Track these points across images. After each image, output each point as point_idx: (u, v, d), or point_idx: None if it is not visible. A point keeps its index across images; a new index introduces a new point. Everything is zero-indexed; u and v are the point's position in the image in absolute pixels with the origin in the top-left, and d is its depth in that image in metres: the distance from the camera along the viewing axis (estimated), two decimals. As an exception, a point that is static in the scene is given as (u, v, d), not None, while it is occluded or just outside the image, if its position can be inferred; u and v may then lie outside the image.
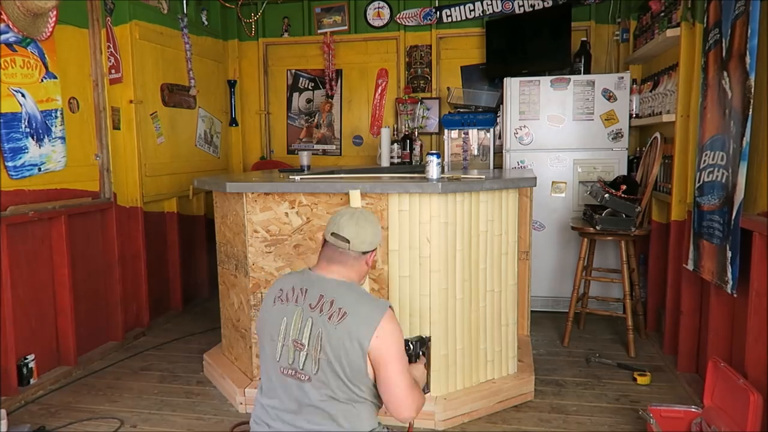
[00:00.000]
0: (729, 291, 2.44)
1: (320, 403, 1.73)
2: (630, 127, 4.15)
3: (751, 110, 2.28)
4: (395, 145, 4.78)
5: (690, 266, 2.90)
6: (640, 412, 2.62)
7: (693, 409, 2.51)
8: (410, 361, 1.93)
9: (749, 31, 2.26)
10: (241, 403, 2.82)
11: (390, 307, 1.79)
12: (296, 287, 1.81)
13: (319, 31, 5.21)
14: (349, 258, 1.84)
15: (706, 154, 2.72)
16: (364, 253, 1.87)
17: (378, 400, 1.81)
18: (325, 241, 1.88)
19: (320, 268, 1.86)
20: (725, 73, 2.52)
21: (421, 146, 4.94)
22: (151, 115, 4.10)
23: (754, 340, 2.32)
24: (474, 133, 4.68)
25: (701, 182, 2.76)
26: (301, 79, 5.37)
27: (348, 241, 1.83)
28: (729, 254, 2.43)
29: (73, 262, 3.36)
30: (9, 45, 2.92)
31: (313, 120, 5.40)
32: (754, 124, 2.33)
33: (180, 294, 4.47)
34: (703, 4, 2.89)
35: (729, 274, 2.43)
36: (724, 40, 2.54)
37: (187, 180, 4.40)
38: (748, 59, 2.28)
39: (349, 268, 1.85)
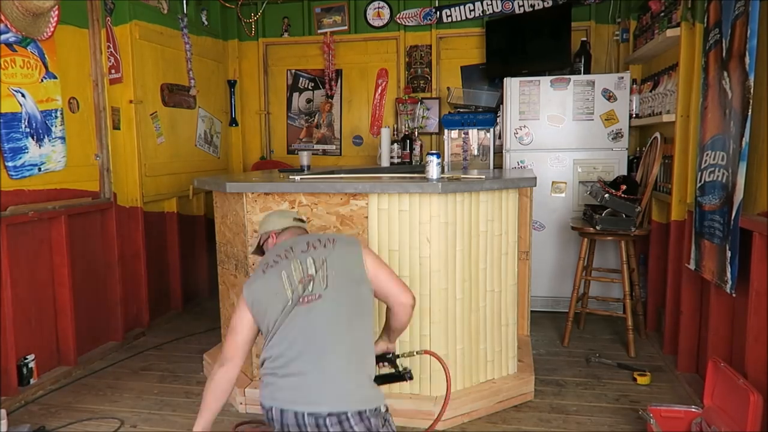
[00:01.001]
0: (728, 291, 2.44)
1: (328, 323, 1.87)
2: (630, 127, 4.15)
3: (750, 110, 2.28)
4: (395, 145, 4.78)
5: (692, 266, 2.90)
6: (640, 412, 2.62)
7: (693, 409, 2.51)
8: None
9: (749, 32, 2.27)
10: (242, 403, 2.82)
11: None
12: (279, 253, 2.03)
13: (319, 31, 5.21)
14: (302, 231, 2.23)
15: (707, 154, 2.72)
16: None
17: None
18: (277, 233, 2.20)
19: (292, 236, 2.17)
20: (725, 73, 2.52)
21: (421, 146, 4.94)
22: (151, 115, 4.10)
23: (754, 339, 2.32)
24: (474, 133, 4.68)
25: (702, 182, 2.76)
26: (301, 79, 5.37)
27: (303, 220, 2.28)
28: (728, 254, 2.43)
29: (73, 262, 3.36)
30: (9, 45, 2.92)
31: (313, 120, 5.40)
32: (754, 124, 2.33)
33: (180, 294, 4.47)
34: (703, 4, 2.89)
35: (728, 274, 2.43)
36: (724, 41, 2.54)
37: (187, 180, 4.40)
38: (747, 59, 2.28)
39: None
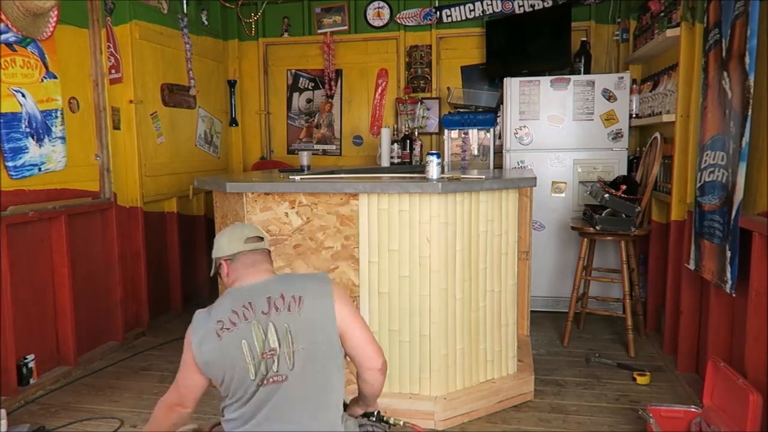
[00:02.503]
0: (728, 291, 2.44)
1: (294, 408, 1.69)
2: (630, 127, 4.15)
3: (750, 110, 2.28)
4: (395, 145, 4.78)
5: (691, 266, 2.90)
6: (639, 412, 2.62)
7: (693, 409, 2.51)
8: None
9: (749, 32, 2.27)
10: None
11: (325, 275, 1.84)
12: (236, 309, 1.71)
13: (319, 31, 5.21)
14: (266, 253, 1.86)
15: (707, 154, 2.72)
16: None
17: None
18: (227, 260, 1.84)
19: (249, 278, 1.79)
20: (725, 73, 2.52)
21: (421, 146, 4.94)
22: (151, 115, 4.10)
23: (753, 339, 2.32)
24: (474, 133, 4.69)
25: (702, 182, 2.76)
26: (301, 79, 5.37)
27: (262, 238, 1.86)
28: (728, 254, 2.43)
29: (73, 262, 3.36)
30: (9, 45, 2.92)
31: (313, 120, 5.40)
32: (754, 124, 2.33)
33: (180, 294, 4.47)
34: (703, 4, 2.89)
35: (728, 274, 2.43)
36: (724, 41, 2.54)
37: (187, 180, 4.40)
38: (747, 59, 2.28)
39: (270, 262, 1.87)
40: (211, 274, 1.99)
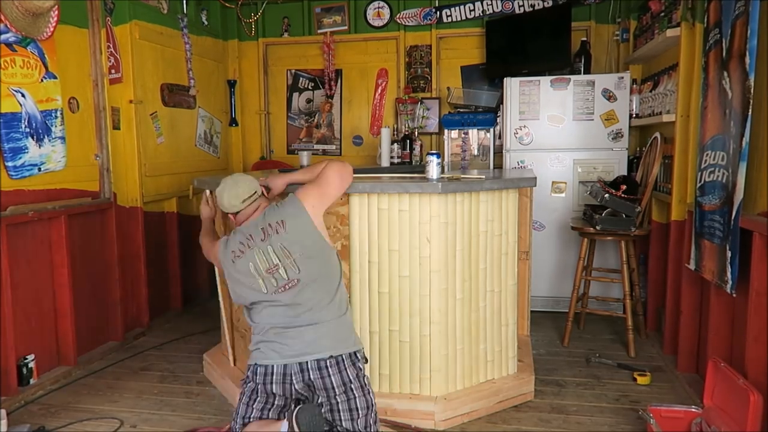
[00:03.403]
0: (728, 291, 2.44)
1: (312, 301, 2.19)
2: (630, 127, 4.15)
3: (750, 110, 2.28)
4: (395, 145, 4.78)
5: (692, 266, 2.90)
6: (640, 412, 2.62)
7: (693, 409, 2.51)
8: None
9: (749, 32, 2.26)
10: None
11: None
12: (242, 241, 2.23)
13: (319, 31, 5.21)
14: (257, 202, 2.34)
15: (707, 154, 2.72)
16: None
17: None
18: (232, 214, 2.36)
19: (249, 219, 2.31)
20: (725, 73, 2.52)
21: (421, 146, 4.93)
22: (150, 115, 4.10)
23: (754, 339, 2.32)
24: (474, 133, 4.68)
25: (702, 182, 2.76)
26: (301, 79, 5.37)
27: (255, 192, 2.34)
28: (729, 254, 2.43)
29: (73, 262, 3.36)
30: (9, 45, 2.92)
31: (313, 120, 5.40)
32: (755, 123, 2.33)
33: (180, 294, 4.47)
34: (703, 4, 2.89)
35: (729, 274, 2.43)
36: (724, 41, 2.54)
37: (187, 180, 4.40)
38: (747, 59, 2.28)
39: (264, 199, 2.39)
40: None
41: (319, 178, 2.33)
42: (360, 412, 2.17)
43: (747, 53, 2.28)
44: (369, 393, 2.21)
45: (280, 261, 2.18)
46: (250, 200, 2.32)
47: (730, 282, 2.42)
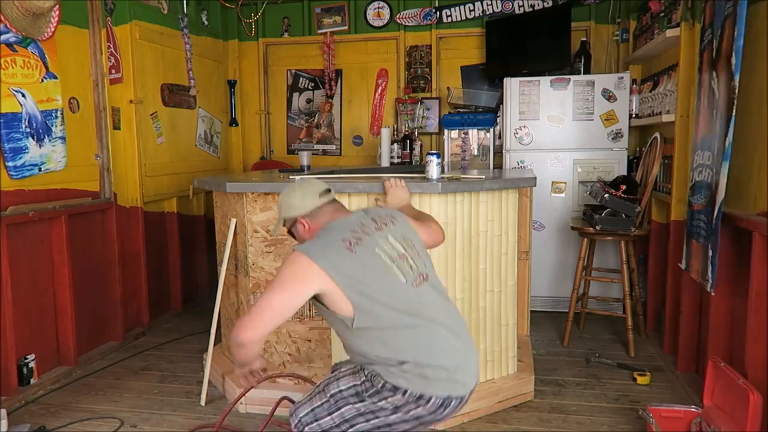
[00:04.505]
0: (708, 289, 2.44)
1: (442, 304, 1.84)
2: (630, 127, 4.16)
3: (734, 111, 2.27)
4: (395, 145, 4.78)
5: (683, 265, 2.91)
6: (640, 412, 2.62)
7: (693, 409, 2.52)
8: None
9: (736, 32, 2.26)
10: (242, 403, 2.82)
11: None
12: (354, 230, 1.78)
13: (319, 31, 5.21)
14: (337, 203, 1.96)
15: (697, 154, 2.73)
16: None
17: None
18: (306, 217, 1.90)
19: (341, 216, 1.89)
20: (714, 74, 2.52)
21: (421, 146, 4.94)
22: (151, 115, 4.10)
23: (753, 340, 2.32)
24: (474, 133, 4.69)
25: (693, 182, 2.76)
26: (301, 79, 5.37)
27: (330, 190, 1.95)
28: (710, 253, 2.42)
29: (73, 262, 3.36)
30: (9, 45, 2.92)
31: (313, 120, 5.40)
32: (755, 124, 2.33)
33: (180, 294, 4.47)
34: (702, 4, 2.89)
35: (709, 273, 2.43)
36: (715, 41, 2.54)
37: (187, 180, 4.40)
38: (733, 60, 2.28)
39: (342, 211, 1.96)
40: (277, 233, 2.17)
41: (428, 220, 2.13)
42: None
43: (733, 54, 2.28)
44: None
45: (405, 250, 1.81)
46: (329, 196, 1.92)
47: (710, 281, 2.42)
